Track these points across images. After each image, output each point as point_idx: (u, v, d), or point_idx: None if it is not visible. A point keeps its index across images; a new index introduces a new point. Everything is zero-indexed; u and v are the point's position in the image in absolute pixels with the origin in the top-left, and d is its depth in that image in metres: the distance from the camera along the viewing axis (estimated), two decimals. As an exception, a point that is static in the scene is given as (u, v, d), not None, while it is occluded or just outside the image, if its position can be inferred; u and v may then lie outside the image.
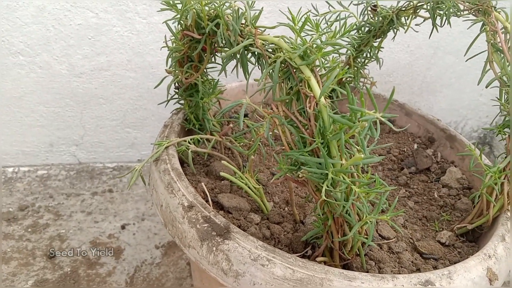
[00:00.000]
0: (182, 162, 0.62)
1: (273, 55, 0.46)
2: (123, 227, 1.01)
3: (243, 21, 0.49)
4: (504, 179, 0.56)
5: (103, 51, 1.01)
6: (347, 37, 0.47)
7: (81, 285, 0.86)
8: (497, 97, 0.60)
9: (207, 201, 0.56)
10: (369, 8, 0.75)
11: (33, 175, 1.13)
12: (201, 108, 0.63)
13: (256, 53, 0.48)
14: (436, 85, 1.30)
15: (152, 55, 1.03)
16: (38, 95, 1.05)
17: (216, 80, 0.63)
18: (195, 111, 0.64)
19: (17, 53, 0.99)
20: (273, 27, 0.48)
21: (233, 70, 0.54)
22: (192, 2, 0.49)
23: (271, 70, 0.44)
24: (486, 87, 0.61)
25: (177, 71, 0.62)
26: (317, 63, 0.44)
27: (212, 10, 0.51)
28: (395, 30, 0.75)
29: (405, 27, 0.74)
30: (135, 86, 1.07)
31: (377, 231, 0.57)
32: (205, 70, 0.63)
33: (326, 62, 0.45)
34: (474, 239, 0.61)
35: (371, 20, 0.75)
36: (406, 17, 0.74)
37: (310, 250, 0.53)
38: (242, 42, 0.48)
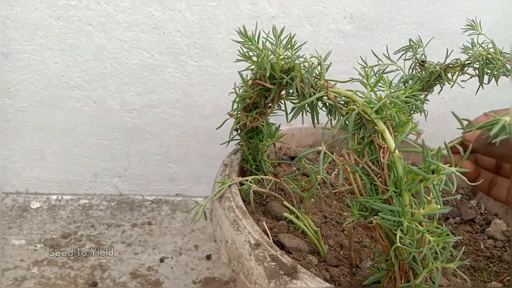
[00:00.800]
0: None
1: (344, 107, 0.50)
2: (161, 260, 1.03)
3: (314, 74, 0.54)
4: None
5: (155, 90, 1.07)
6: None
7: (123, 316, 0.87)
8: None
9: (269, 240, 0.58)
10: (417, 63, 0.79)
11: (75, 204, 1.17)
12: (260, 150, 0.67)
13: (327, 104, 0.52)
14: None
15: (199, 96, 1.09)
16: (89, 128, 1.10)
17: (278, 125, 0.67)
18: (253, 152, 0.67)
19: (74, 87, 1.06)
20: (346, 82, 0.52)
21: (296, 116, 0.58)
22: (270, 55, 0.54)
23: (344, 122, 0.48)
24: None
25: (239, 115, 0.66)
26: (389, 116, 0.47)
27: (285, 63, 0.56)
28: (442, 85, 0.79)
29: (451, 83, 0.78)
30: (181, 123, 1.12)
31: (430, 278, 0.59)
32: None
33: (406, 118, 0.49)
34: (524, 292, 0.62)
35: (418, 74, 0.79)
36: (452, 73, 0.78)
37: (368, 294, 0.55)
38: (314, 93, 0.52)
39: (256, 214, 0.64)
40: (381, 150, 0.46)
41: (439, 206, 0.41)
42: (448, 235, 0.46)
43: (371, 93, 0.49)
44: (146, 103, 1.08)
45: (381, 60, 0.80)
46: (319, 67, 0.55)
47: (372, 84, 0.48)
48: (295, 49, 0.57)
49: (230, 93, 0.65)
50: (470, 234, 0.73)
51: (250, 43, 0.57)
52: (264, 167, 0.69)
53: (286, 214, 0.57)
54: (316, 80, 0.53)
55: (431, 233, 0.43)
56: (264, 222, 0.60)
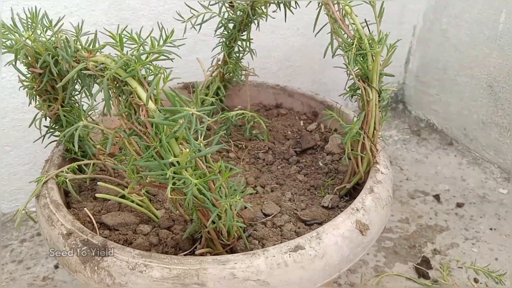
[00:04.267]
0: (67, 192, 0.63)
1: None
2: (56, 266, 1.00)
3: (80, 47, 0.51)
4: (363, 136, 0.60)
5: (-6, 99, 1.00)
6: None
7: (19, 335, 0.85)
8: (344, 64, 0.64)
9: (93, 224, 0.57)
10: (226, 5, 0.78)
11: (-44, 239, 1.10)
12: (74, 135, 0.64)
13: (92, 75, 0.50)
14: (334, 59, 1.36)
15: (46, 92, 1.03)
16: None
17: (79, 107, 0.63)
18: (72, 139, 0.65)
19: None
20: (102, 47, 0.50)
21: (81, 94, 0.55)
22: (21, 40, 0.50)
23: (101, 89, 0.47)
24: (332, 57, 0.66)
25: (44, 106, 0.63)
26: (143, 72, 0.46)
27: (46, 44, 0.53)
28: (255, 20, 0.79)
29: (264, 17, 0.78)
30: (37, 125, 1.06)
31: (261, 210, 0.61)
32: (73, 99, 0.64)
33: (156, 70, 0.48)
34: (357, 196, 0.65)
35: (232, 16, 0.78)
36: (263, 7, 0.78)
37: (199, 245, 0.56)
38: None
39: (84, 202, 0.62)
40: (140, 109, 0.45)
41: (187, 150, 0.41)
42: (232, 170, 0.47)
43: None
44: (-10, 115, 1.01)
45: (196, 11, 0.78)
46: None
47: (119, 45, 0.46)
48: (56, 25, 0.53)
49: (20, 87, 0.61)
50: (312, 156, 0.75)
51: (4, 31, 0.53)
52: (89, 151, 0.67)
53: (98, 195, 0.56)
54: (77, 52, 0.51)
55: (197, 176, 0.44)
56: (86, 208, 0.59)
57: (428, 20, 1.42)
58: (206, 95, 0.84)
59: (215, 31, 0.81)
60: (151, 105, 0.44)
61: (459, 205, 1.19)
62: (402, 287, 0.95)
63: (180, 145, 0.44)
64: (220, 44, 0.83)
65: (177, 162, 0.44)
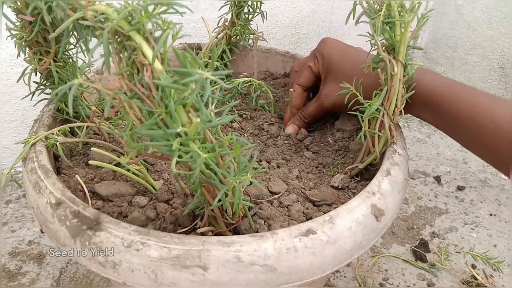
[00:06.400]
0: (57, 157, 0.58)
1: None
2: (42, 231, 0.96)
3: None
4: (383, 113, 0.56)
5: (-20, 50, 0.93)
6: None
7: (1, 300, 0.82)
8: (368, 32, 0.59)
9: (85, 193, 0.53)
10: (239, -40, 0.71)
11: None
12: (67, 94, 0.58)
13: (91, 27, 0.44)
14: (343, 29, 1.29)
15: (36, 45, 0.96)
16: None
17: (73, 63, 0.58)
18: (64, 99, 0.59)
19: None
20: (101, -4, 0.44)
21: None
22: (9, -19, 0.44)
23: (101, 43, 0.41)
24: (356, 24, 0.61)
25: (35, 60, 0.57)
26: (150, 27, 0.40)
27: (40, -13, 0.46)
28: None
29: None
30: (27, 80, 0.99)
31: (268, 188, 0.56)
32: (67, 53, 0.58)
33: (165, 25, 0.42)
34: (370, 177, 0.61)
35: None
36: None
37: (200, 222, 0.51)
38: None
39: (76, 168, 0.57)
40: (145, 68, 0.40)
41: (198, 120, 0.36)
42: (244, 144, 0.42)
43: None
44: (-26, 67, 0.94)
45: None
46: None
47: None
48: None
49: (8, 37, 0.55)
50: (321, 132, 0.71)
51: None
52: (83, 112, 0.61)
53: (91, 162, 0.51)
54: None
55: (206, 150, 0.39)
56: (78, 176, 0.54)
57: (443, -6, 1.36)
58: (210, 58, 0.77)
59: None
60: (158, 65, 0.38)
61: (460, 188, 1.17)
62: (399, 269, 0.93)
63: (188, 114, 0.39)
64: (229, 2, 0.76)
65: (185, 133, 0.38)
